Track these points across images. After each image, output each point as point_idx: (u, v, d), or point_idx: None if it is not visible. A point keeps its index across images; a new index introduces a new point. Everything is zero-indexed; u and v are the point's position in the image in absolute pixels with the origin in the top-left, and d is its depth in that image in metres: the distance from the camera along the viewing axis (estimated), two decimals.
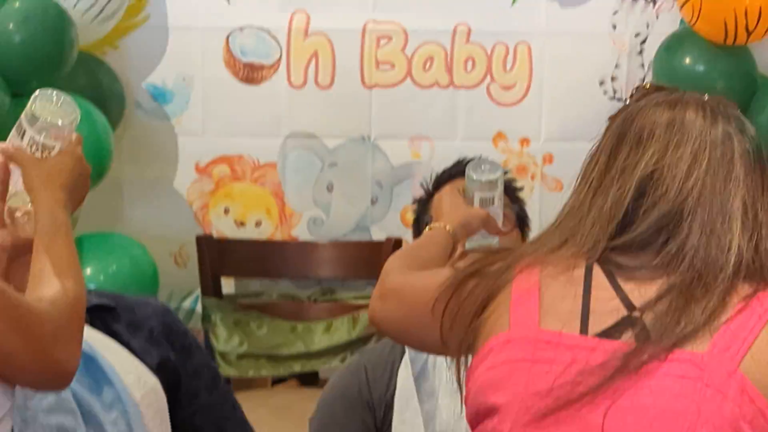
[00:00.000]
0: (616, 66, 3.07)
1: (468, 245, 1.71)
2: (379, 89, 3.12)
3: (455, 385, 1.72)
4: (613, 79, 3.08)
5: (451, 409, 1.74)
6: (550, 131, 3.11)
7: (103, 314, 1.57)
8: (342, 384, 1.96)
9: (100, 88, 2.97)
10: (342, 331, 2.99)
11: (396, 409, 1.81)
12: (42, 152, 1.35)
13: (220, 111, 3.13)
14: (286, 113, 3.14)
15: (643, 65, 3.08)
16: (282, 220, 3.17)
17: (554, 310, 1.17)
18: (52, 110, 1.36)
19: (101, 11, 2.91)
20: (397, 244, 3.01)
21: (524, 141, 3.12)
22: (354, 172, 3.15)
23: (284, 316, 3.05)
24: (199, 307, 3.10)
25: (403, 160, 3.14)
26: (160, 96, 3.12)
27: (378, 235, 3.14)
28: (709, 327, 1.13)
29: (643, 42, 3.07)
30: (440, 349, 1.35)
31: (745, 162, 1.21)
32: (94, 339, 1.49)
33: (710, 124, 1.21)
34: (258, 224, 3.18)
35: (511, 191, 1.99)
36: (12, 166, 1.36)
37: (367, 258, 3.06)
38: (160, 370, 1.54)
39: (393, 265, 1.48)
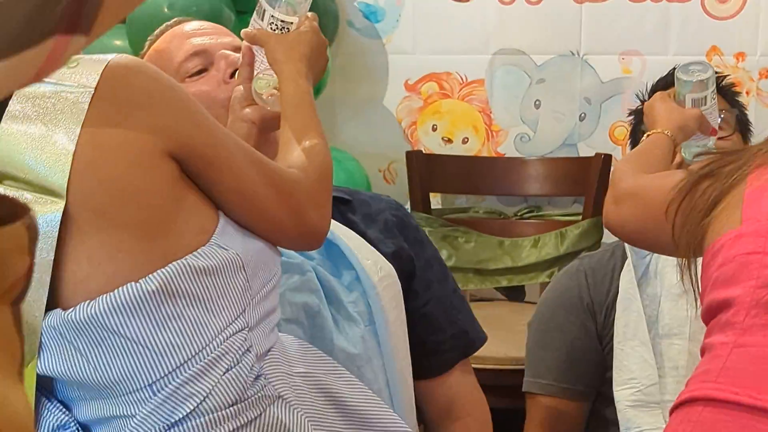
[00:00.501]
0: None
1: (684, 149, 1.70)
2: (590, 4, 3.08)
3: (678, 289, 1.73)
4: None
5: (673, 313, 1.74)
6: (767, 45, 3.01)
7: (339, 206, 1.63)
8: (562, 288, 1.98)
9: (315, 7, 3.01)
10: (549, 246, 3.00)
11: (618, 313, 1.82)
12: (282, 29, 1.41)
13: (430, 29, 3.16)
14: (495, 30, 3.14)
15: None
16: (489, 136, 3.19)
17: None
18: None
19: None
20: (606, 160, 2.99)
21: (739, 55, 3.02)
22: (562, 88, 3.13)
23: (491, 231, 3.07)
24: None
25: (612, 75, 3.10)
26: (371, 14, 3.18)
27: (586, 151, 3.12)
28: None
29: None
30: (673, 250, 1.35)
31: None
32: (334, 226, 1.56)
33: None
34: (465, 141, 3.21)
35: (729, 95, 1.96)
36: (256, 50, 1.44)
37: (575, 175, 3.05)
38: (395, 258, 1.58)
39: (623, 169, 1.49)
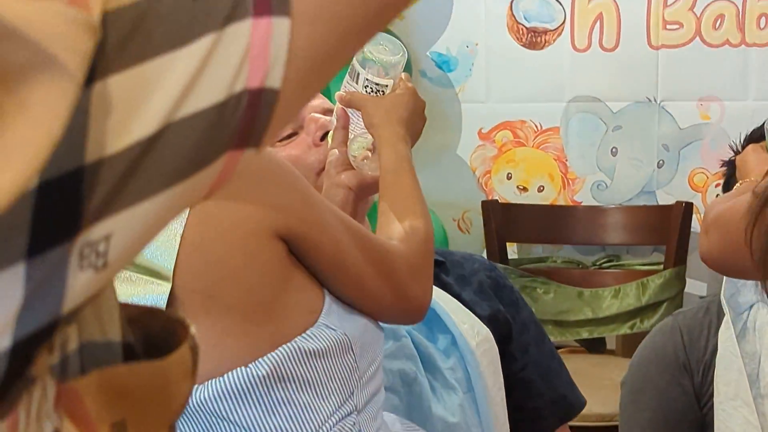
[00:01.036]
0: None
1: None
2: (666, 49, 3.03)
3: None
4: None
5: None
6: None
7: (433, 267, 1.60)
8: (657, 346, 1.92)
9: None
10: (631, 297, 2.94)
11: (718, 371, 1.76)
12: (377, 92, 1.39)
13: (503, 77, 3.14)
14: (569, 77, 3.10)
15: None
16: (565, 184, 3.15)
17: None
18: (381, 50, 1.40)
19: None
20: (687, 207, 2.93)
21: None
22: (639, 134, 3.08)
23: (570, 282, 3.02)
24: None
25: (691, 121, 3.05)
26: (444, 64, 3.16)
27: (665, 199, 3.06)
28: None
29: None
30: (758, 274, 1.31)
31: None
32: None
33: None
34: (540, 189, 3.17)
35: None
36: (350, 112, 1.42)
37: (654, 223, 2.99)
38: (491, 321, 1.55)
39: (712, 205, 1.48)
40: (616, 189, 3.12)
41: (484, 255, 3.07)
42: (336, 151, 1.42)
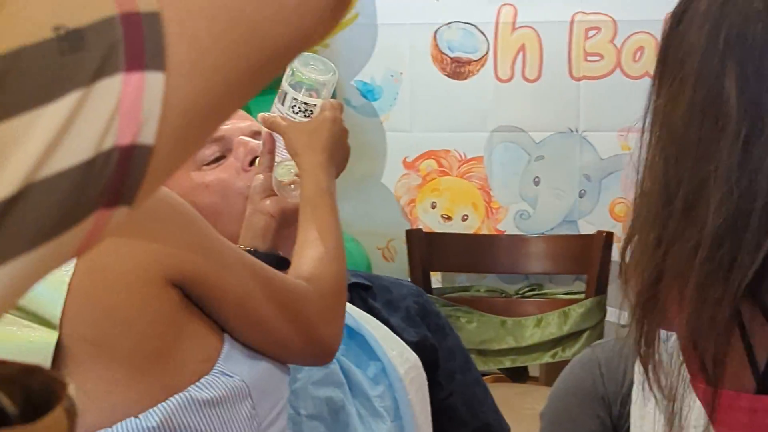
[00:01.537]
0: None
1: None
2: (588, 81, 3.08)
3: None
4: None
5: (692, 404, 1.68)
6: None
7: (360, 292, 1.58)
8: (575, 378, 1.91)
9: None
10: (552, 326, 2.95)
11: (634, 404, 1.77)
12: (305, 112, 1.36)
13: (428, 106, 3.15)
14: (493, 107, 3.13)
15: None
16: (488, 214, 3.16)
17: None
18: (310, 69, 1.38)
19: None
20: (608, 237, 2.96)
21: None
22: (561, 164, 3.12)
23: (493, 311, 3.03)
24: None
25: (612, 152, 3.09)
26: (368, 92, 3.16)
27: (586, 228, 3.09)
28: None
29: None
30: None
31: None
32: (358, 314, 1.51)
33: None
34: (464, 218, 3.18)
35: None
36: (276, 136, 1.39)
37: (576, 252, 3.02)
38: (419, 348, 1.53)
39: None
40: (538, 218, 3.15)
41: None
42: (261, 176, 1.39)
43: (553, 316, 2.96)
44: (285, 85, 1.39)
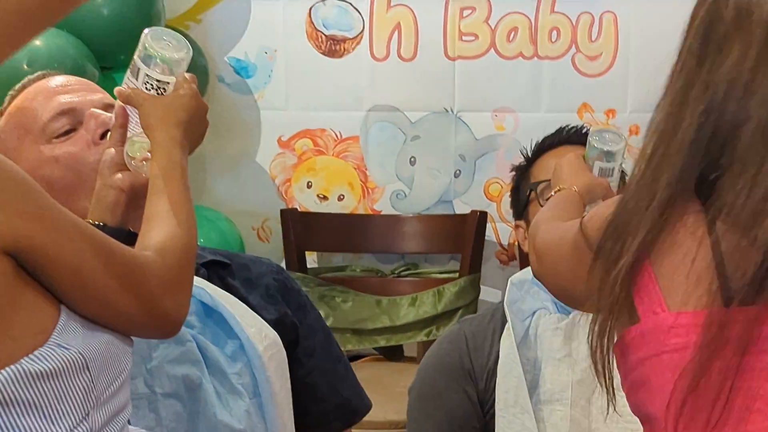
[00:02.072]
0: None
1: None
2: (463, 61, 3.09)
3: (559, 354, 1.70)
4: None
5: (554, 378, 1.70)
6: (636, 102, 3.07)
7: (219, 270, 1.55)
8: (442, 353, 1.92)
9: None
10: (427, 304, 2.97)
11: (499, 378, 1.78)
12: (158, 90, 1.33)
13: (303, 85, 3.12)
14: (369, 86, 3.12)
15: None
16: (364, 193, 3.16)
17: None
18: (164, 45, 1.34)
19: None
20: (481, 217, 2.98)
21: (610, 112, 3.08)
22: (437, 144, 3.13)
23: (368, 290, 3.03)
24: None
25: (486, 132, 3.11)
26: (242, 70, 3.12)
27: (461, 208, 3.11)
28: None
29: None
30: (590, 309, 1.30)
31: None
32: (215, 292, 1.48)
33: None
34: (340, 198, 3.16)
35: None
36: (129, 110, 1.35)
37: (451, 232, 3.03)
38: (278, 325, 1.51)
39: (538, 220, 1.44)
40: (414, 198, 3.15)
41: (283, 264, 3.04)
42: (112, 150, 1.35)
43: (427, 295, 2.97)
44: (137, 59, 1.34)
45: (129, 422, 1.21)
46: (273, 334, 1.49)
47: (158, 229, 1.20)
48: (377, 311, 2.98)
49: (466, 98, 3.10)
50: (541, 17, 3.06)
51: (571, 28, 3.06)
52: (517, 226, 1.90)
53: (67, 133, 1.40)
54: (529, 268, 1.50)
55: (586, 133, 1.74)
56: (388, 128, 3.13)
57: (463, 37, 3.08)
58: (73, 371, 1.04)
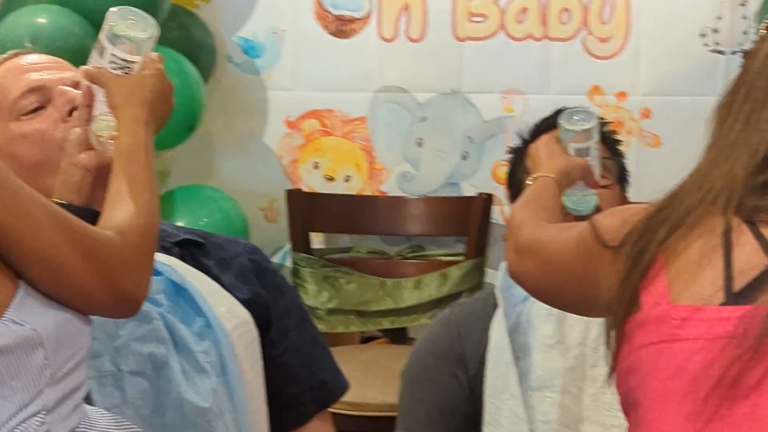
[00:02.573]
0: (718, 18, 2.96)
1: (565, 197, 1.65)
2: (471, 42, 3.06)
3: (550, 340, 1.68)
4: (714, 31, 2.97)
5: (545, 364, 1.69)
6: (647, 85, 3.02)
7: (192, 249, 1.55)
8: (433, 338, 1.91)
9: (191, 41, 2.96)
10: (431, 287, 2.96)
11: (489, 365, 1.76)
12: (124, 69, 1.33)
13: (311, 65, 3.11)
14: (377, 67, 3.10)
15: (745, 17, 2.96)
16: (371, 175, 3.14)
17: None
18: (129, 25, 1.34)
19: None
20: (487, 200, 2.96)
21: (621, 95, 3.03)
22: (444, 126, 3.10)
23: (373, 272, 3.02)
24: (288, 262, 3.09)
25: (494, 114, 3.08)
26: (250, 50, 3.11)
27: (468, 190, 3.09)
28: None
29: None
30: (577, 309, 1.29)
31: None
32: (185, 270, 1.48)
33: None
34: (347, 179, 3.15)
35: (611, 143, 1.90)
36: (96, 89, 1.35)
37: (457, 214, 3.02)
38: (250, 305, 1.51)
39: (521, 218, 1.42)
40: (421, 180, 3.13)
41: (289, 245, 3.04)
42: (78, 129, 1.35)
43: (432, 278, 2.96)
44: (102, 38, 1.34)
45: (91, 401, 1.22)
46: (244, 313, 1.49)
47: (120, 209, 1.21)
48: (381, 293, 2.98)
49: (474, 80, 3.07)
50: None
51: (582, 9, 3.02)
52: None
53: (36, 110, 1.41)
54: None
55: None
56: (396, 109, 3.11)
57: (472, 18, 3.05)
58: (27, 347, 1.04)
